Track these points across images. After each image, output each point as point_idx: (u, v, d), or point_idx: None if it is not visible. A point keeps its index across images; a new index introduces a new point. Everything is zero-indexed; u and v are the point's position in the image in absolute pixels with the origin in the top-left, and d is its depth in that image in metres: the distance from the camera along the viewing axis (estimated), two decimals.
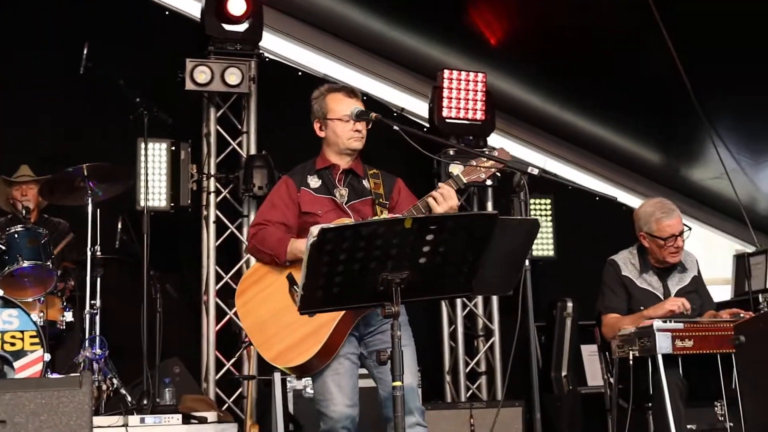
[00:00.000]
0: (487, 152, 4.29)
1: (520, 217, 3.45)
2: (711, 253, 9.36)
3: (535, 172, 3.83)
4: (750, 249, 8.85)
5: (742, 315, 5.01)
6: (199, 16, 7.46)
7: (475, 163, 4.26)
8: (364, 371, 4.29)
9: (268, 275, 4.23)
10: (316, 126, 4.42)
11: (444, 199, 4.12)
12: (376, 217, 4.17)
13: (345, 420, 4.09)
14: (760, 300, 7.62)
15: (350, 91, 4.44)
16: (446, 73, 7.82)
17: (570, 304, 7.70)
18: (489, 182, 4.37)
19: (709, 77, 7.29)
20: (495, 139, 8.47)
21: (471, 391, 7.98)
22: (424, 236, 3.23)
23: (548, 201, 8.44)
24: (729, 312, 5.14)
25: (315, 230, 3.12)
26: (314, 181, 4.37)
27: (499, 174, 4.37)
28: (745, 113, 7.76)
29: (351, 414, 4.11)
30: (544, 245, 8.40)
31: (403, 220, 3.18)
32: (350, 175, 4.40)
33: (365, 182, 4.41)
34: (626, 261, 5.42)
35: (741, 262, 8.49)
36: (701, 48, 7.03)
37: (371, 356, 4.18)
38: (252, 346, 6.35)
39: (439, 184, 4.17)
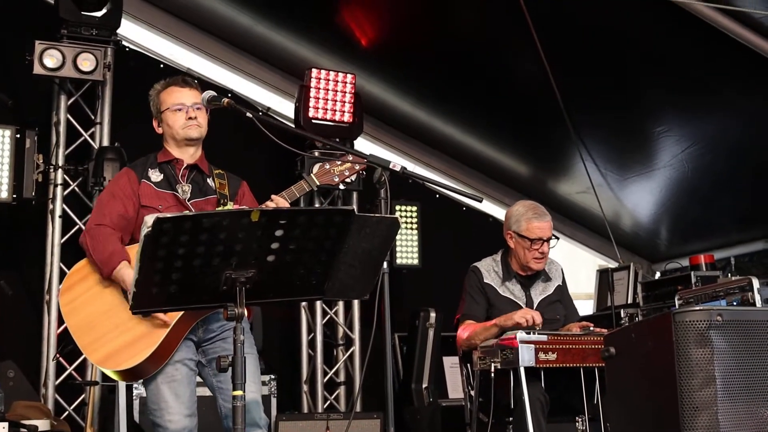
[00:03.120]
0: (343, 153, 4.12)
1: (379, 214, 3.21)
2: (574, 268, 9.37)
3: (398, 168, 3.61)
4: (612, 265, 8.89)
5: (591, 328, 4.91)
6: None
7: (328, 166, 4.10)
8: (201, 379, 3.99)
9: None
10: (155, 124, 4.24)
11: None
12: (220, 208, 3.88)
13: (183, 431, 3.78)
14: (622, 315, 7.62)
15: (182, 81, 4.24)
16: (314, 72, 7.56)
17: (433, 315, 7.57)
18: (342, 186, 4.19)
19: (580, 91, 7.27)
20: (362, 143, 8.28)
21: (329, 402, 7.72)
22: (273, 231, 2.96)
23: (414, 208, 8.30)
24: (579, 325, 5.04)
25: (150, 220, 2.80)
26: (156, 175, 4.11)
27: (352, 179, 4.18)
28: (614, 129, 7.75)
29: (189, 425, 3.81)
30: (408, 253, 8.23)
31: (250, 212, 2.89)
32: (194, 172, 4.17)
33: (210, 181, 4.16)
34: (489, 268, 5.26)
35: (604, 277, 8.51)
36: (574, 62, 6.99)
37: (210, 364, 3.90)
38: None
39: (272, 196, 3.97)
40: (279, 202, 3.94)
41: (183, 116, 4.12)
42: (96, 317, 3.79)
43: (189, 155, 4.16)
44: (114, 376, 3.88)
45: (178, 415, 3.78)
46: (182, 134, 4.12)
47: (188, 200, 4.06)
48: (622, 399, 3.47)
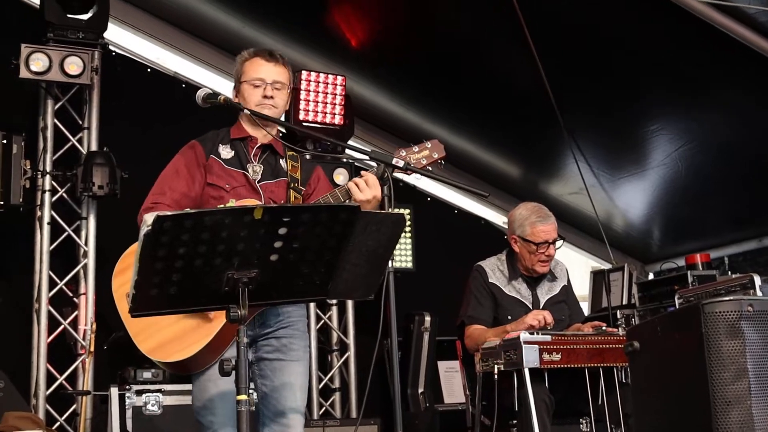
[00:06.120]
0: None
1: (384, 211, 3.12)
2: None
3: (401, 164, 3.52)
4: (606, 266, 8.82)
5: (604, 328, 4.83)
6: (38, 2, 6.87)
7: (404, 153, 3.90)
8: None
9: None
10: (233, 93, 4.02)
11: (368, 186, 3.74)
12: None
13: None
14: (618, 316, 7.55)
15: (269, 55, 3.99)
16: (304, 74, 7.48)
17: (428, 318, 7.50)
18: (418, 176, 4.02)
19: (572, 91, 7.19)
20: None
21: (324, 409, 7.60)
22: (277, 230, 2.85)
23: (407, 211, 8.21)
24: (591, 325, 4.96)
25: (149, 218, 2.69)
26: (226, 152, 3.90)
27: (429, 169, 4.03)
28: (607, 128, 7.69)
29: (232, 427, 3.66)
30: (402, 257, 8.15)
31: (253, 209, 2.79)
32: (267, 152, 3.96)
33: (283, 162, 3.96)
34: (494, 267, 5.18)
35: (599, 278, 8.43)
36: (566, 61, 6.92)
37: (258, 363, 3.75)
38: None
39: (362, 171, 3.79)
40: (368, 177, 3.75)
41: (259, 93, 3.89)
42: None
43: (263, 134, 3.94)
44: (164, 367, 3.74)
45: (222, 417, 3.61)
46: (254, 111, 3.89)
47: (258, 182, 3.87)
48: (647, 395, 3.37)
